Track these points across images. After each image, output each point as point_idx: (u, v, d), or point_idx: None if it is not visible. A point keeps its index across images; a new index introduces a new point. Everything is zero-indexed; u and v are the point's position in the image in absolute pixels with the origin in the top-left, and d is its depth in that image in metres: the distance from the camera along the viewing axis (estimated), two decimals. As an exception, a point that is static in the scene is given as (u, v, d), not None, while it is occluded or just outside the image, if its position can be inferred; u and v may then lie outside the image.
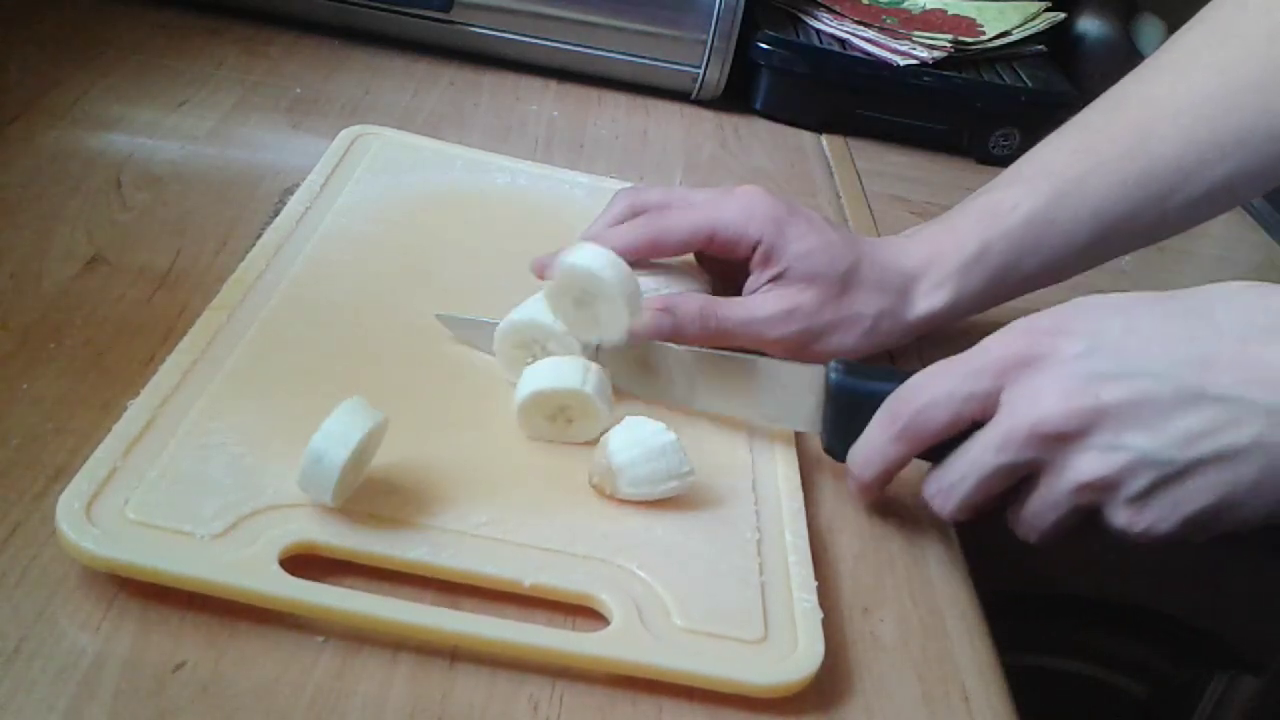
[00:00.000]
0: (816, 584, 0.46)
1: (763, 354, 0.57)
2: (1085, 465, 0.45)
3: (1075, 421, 0.45)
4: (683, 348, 0.55)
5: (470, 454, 0.49)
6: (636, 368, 0.55)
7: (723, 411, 0.55)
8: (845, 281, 0.59)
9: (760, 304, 0.58)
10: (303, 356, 0.52)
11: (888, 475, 0.51)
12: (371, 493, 0.45)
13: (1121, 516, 0.46)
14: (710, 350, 0.55)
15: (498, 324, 0.54)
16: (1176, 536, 0.46)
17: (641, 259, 0.60)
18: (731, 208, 0.59)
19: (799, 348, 0.59)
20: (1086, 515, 0.47)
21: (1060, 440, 0.45)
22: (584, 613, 0.44)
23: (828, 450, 0.53)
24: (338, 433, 0.42)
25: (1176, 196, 0.59)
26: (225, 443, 0.46)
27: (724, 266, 0.62)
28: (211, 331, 0.52)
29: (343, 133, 0.72)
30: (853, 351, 0.59)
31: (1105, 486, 0.45)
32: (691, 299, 0.58)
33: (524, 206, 0.68)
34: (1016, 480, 0.48)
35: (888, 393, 0.50)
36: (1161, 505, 0.45)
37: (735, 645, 0.43)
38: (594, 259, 0.52)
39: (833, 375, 0.52)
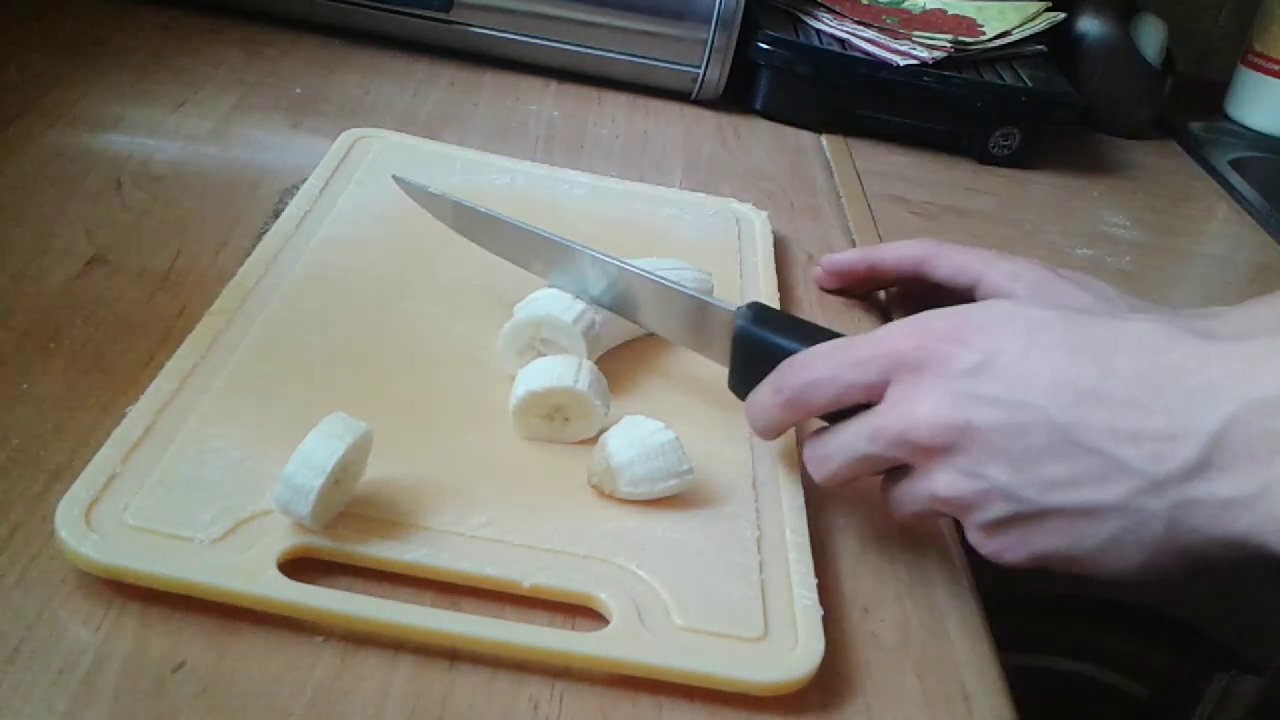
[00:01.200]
0: (816, 581, 0.46)
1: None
2: (943, 481, 0.44)
3: (942, 437, 0.44)
4: (611, 258, 0.55)
5: (469, 455, 0.49)
6: (577, 271, 0.56)
7: (653, 330, 0.56)
8: None
9: None
10: (302, 360, 0.52)
11: (774, 432, 0.51)
12: (370, 495, 0.45)
13: (972, 535, 0.46)
14: (638, 269, 0.55)
15: (446, 196, 0.58)
16: (1025, 566, 0.45)
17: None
18: (1001, 269, 0.62)
19: None
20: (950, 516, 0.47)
21: (926, 451, 0.44)
22: (584, 613, 0.44)
23: (731, 388, 0.53)
24: (312, 458, 0.42)
25: None
26: (224, 447, 0.46)
27: None
28: (211, 336, 0.52)
29: (342, 135, 0.72)
30: None
31: (960, 506, 0.45)
32: None
33: (524, 206, 0.68)
34: (888, 468, 0.47)
35: (784, 349, 0.49)
36: (1010, 538, 0.44)
37: (735, 643, 0.43)
38: (548, 304, 0.54)
39: (738, 320, 0.52)
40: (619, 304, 0.56)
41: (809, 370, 0.48)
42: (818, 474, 0.49)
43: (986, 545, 0.45)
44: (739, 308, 0.52)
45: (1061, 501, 0.42)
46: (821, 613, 0.45)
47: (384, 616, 0.41)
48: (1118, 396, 0.42)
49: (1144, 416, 0.41)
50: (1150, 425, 0.41)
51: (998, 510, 0.44)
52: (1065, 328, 0.44)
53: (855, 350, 0.47)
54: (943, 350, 0.44)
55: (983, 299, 0.62)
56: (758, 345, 0.51)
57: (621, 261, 0.55)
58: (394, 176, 0.60)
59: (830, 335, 0.50)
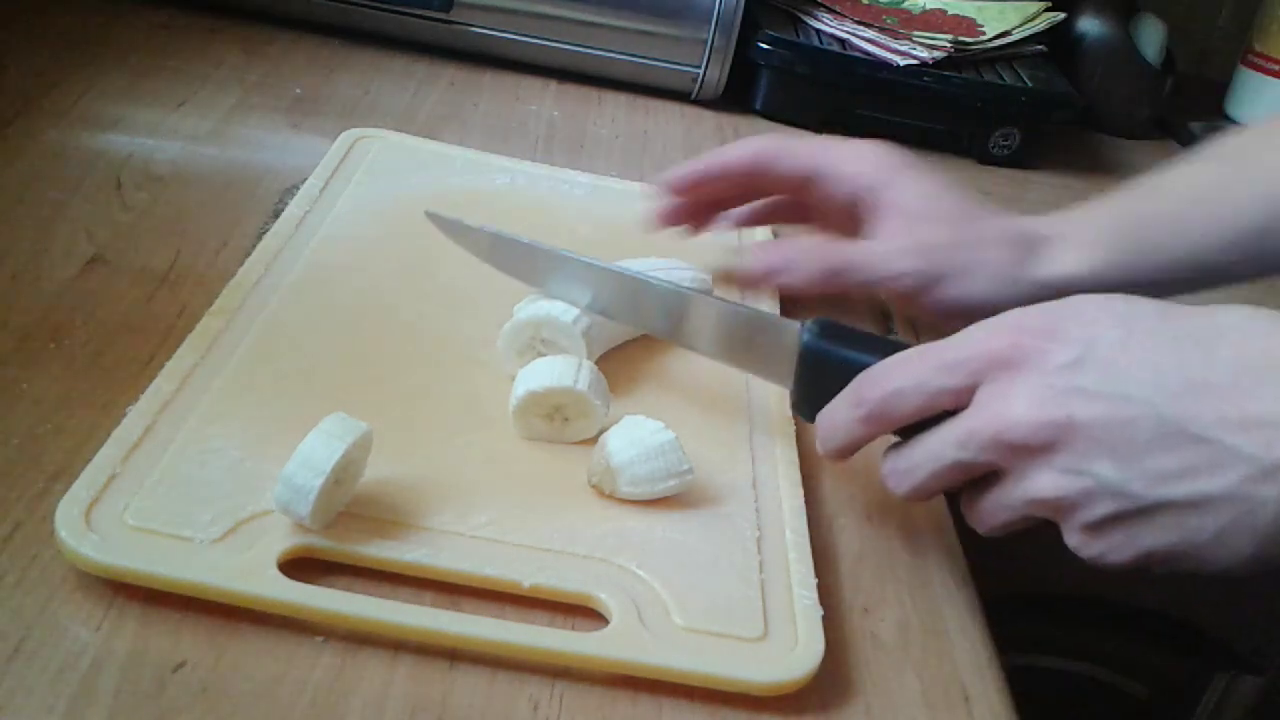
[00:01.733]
0: (816, 581, 0.46)
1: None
2: (1044, 482, 0.43)
3: (1043, 435, 0.42)
4: (671, 285, 0.54)
5: (469, 455, 0.49)
6: (626, 299, 0.54)
7: (702, 353, 0.54)
8: (969, 226, 0.57)
9: (880, 241, 0.57)
10: (302, 360, 0.52)
11: (850, 450, 0.49)
12: (370, 495, 0.45)
13: (1074, 538, 0.44)
14: (697, 291, 0.54)
15: (483, 229, 0.57)
16: (1129, 567, 0.43)
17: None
18: (844, 152, 0.60)
19: (920, 290, 0.57)
20: (1043, 522, 0.45)
21: (1023, 451, 0.43)
22: (584, 613, 0.44)
23: (794, 408, 0.52)
24: (313, 458, 0.42)
25: None
26: (224, 447, 0.46)
27: (834, 213, 0.61)
28: (210, 336, 0.52)
29: (342, 135, 0.72)
30: (981, 302, 0.56)
31: (1061, 508, 0.43)
32: (804, 239, 0.57)
33: (524, 206, 0.68)
34: (976, 476, 0.46)
35: (858, 363, 0.48)
36: (1116, 537, 0.43)
37: (735, 643, 0.43)
38: (548, 304, 0.54)
39: (805, 335, 0.50)
40: (671, 328, 0.54)
41: (892, 379, 0.46)
42: (901, 487, 0.47)
43: (1090, 547, 0.43)
44: (803, 323, 0.50)
45: (1171, 494, 0.41)
46: (821, 613, 0.45)
47: (384, 616, 0.41)
48: (1223, 384, 0.41)
49: (1251, 403, 0.40)
50: (1259, 412, 0.40)
51: (1103, 508, 0.42)
52: (1161, 318, 0.43)
53: (941, 355, 0.45)
54: (1037, 345, 0.43)
55: (826, 186, 0.60)
56: (827, 361, 0.49)
57: (674, 285, 0.54)
58: (428, 213, 0.58)
59: (903, 346, 0.48)
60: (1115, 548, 0.43)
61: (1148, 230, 0.58)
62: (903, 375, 0.46)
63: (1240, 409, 0.41)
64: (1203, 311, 0.43)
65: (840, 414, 0.48)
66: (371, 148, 0.71)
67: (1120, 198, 0.60)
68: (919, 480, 0.46)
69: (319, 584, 0.42)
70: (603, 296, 0.55)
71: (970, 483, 0.46)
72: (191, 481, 0.44)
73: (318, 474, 0.42)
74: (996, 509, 0.46)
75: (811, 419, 0.50)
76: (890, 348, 0.48)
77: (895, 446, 0.48)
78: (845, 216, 0.60)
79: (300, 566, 0.42)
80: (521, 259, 0.57)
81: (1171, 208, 0.58)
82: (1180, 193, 0.58)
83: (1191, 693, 0.85)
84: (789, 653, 0.43)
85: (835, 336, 0.50)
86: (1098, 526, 0.43)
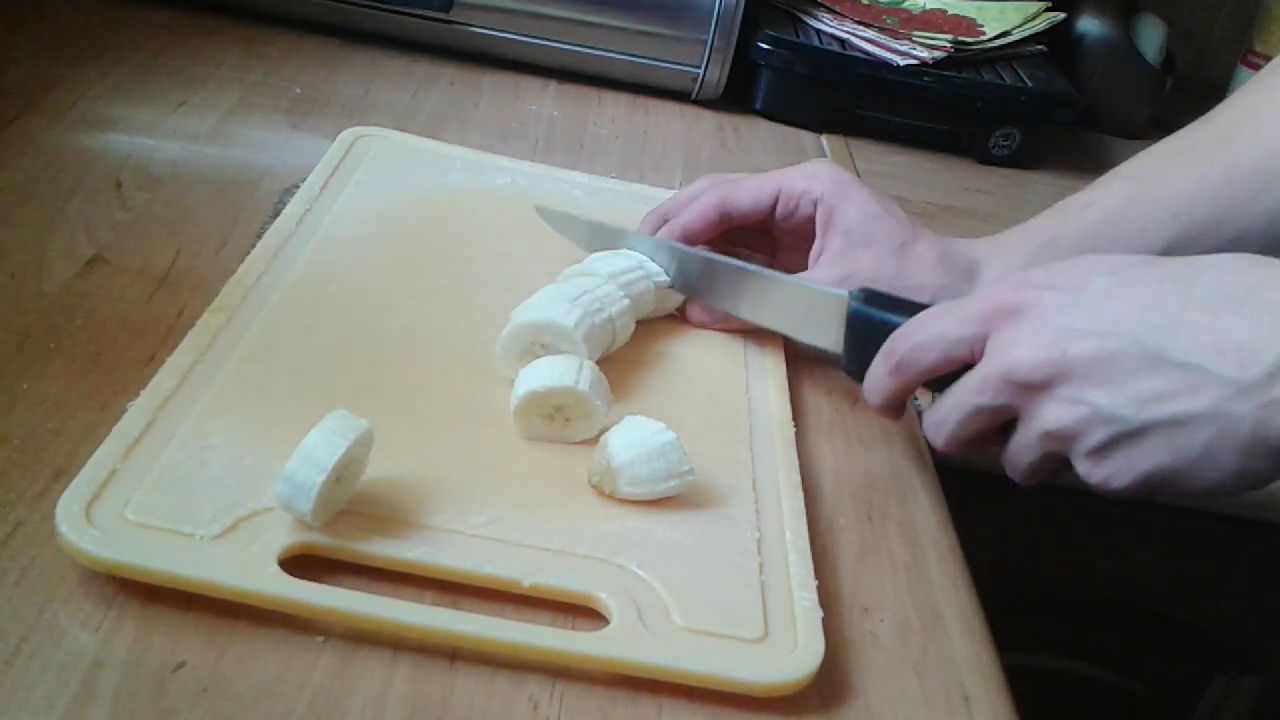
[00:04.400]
0: (816, 583, 0.46)
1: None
2: (1050, 414, 0.47)
3: (1042, 372, 0.47)
4: (728, 261, 0.60)
5: (470, 454, 0.49)
6: (697, 276, 0.60)
7: (760, 323, 0.60)
8: (904, 251, 0.60)
9: (816, 273, 0.61)
10: (302, 358, 0.52)
11: (890, 404, 0.54)
12: (371, 494, 0.45)
13: (1082, 466, 0.48)
14: (752, 268, 0.59)
15: (587, 220, 0.63)
16: (1133, 492, 0.47)
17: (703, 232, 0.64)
18: (797, 171, 0.63)
19: None
20: (1064, 462, 0.49)
21: (1029, 388, 0.48)
22: (584, 613, 0.44)
23: (846, 370, 0.57)
24: (315, 454, 0.42)
25: (1260, 204, 0.59)
26: (224, 444, 0.46)
27: (794, 238, 0.64)
28: (211, 333, 0.52)
29: (343, 134, 0.72)
30: None
31: (1067, 436, 0.47)
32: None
33: (524, 206, 0.68)
34: (1000, 422, 0.50)
35: (895, 324, 0.53)
36: (1117, 461, 0.47)
37: (735, 644, 0.43)
38: (547, 309, 0.54)
39: (851, 303, 0.55)
40: (725, 297, 0.60)
41: (918, 332, 0.52)
42: (938, 439, 0.52)
43: (1096, 473, 0.47)
44: (851, 292, 0.56)
45: (1158, 415, 0.45)
46: (821, 614, 0.45)
47: (384, 614, 0.41)
48: (1201, 314, 0.45)
49: (1225, 330, 0.44)
50: (1233, 336, 0.44)
51: (1101, 433, 0.46)
52: (1148, 264, 0.48)
53: (960, 308, 0.51)
54: (1037, 295, 0.48)
55: (789, 205, 0.63)
56: (870, 323, 0.55)
57: (727, 259, 0.60)
58: (537, 206, 0.63)
59: None
60: (1117, 472, 0.47)
61: (1058, 252, 0.61)
62: (924, 329, 0.52)
63: (1215, 335, 0.45)
64: (1187, 259, 0.48)
65: (876, 369, 0.54)
66: (371, 146, 0.71)
67: (1035, 222, 0.63)
68: (951, 429, 0.51)
69: (320, 583, 0.42)
70: (687, 274, 0.61)
71: (1001, 437, 0.51)
72: (192, 478, 0.44)
73: (320, 471, 0.42)
74: (1020, 451, 0.50)
75: (861, 379, 0.55)
76: (922, 310, 0.53)
77: (934, 402, 0.52)
78: (802, 235, 0.63)
79: (301, 564, 0.42)
80: (612, 242, 0.63)
81: (1081, 230, 0.61)
82: (1090, 215, 0.62)
83: (1191, 693, 0.85)
84: (789, 654, 0.43)
85: (876, 302, 0.55)
86: (1100, 451, 0.47)
